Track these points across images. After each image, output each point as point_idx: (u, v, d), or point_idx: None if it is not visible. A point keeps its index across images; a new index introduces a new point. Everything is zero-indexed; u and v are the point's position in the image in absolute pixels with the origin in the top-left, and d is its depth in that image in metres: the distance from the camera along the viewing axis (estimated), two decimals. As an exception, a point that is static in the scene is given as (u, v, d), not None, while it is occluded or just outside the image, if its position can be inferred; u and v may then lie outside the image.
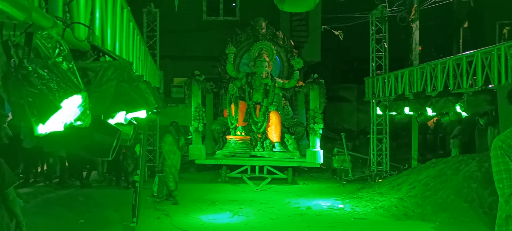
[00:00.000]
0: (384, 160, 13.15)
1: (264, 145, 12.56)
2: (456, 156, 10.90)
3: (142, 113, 4.51)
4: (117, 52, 4.52)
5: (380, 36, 13.09)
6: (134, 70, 5.15)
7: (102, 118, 3.11)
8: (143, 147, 7.60)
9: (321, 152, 12.13)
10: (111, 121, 3.27)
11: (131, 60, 5.72)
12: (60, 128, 2.20)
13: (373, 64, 13.21)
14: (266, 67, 12.73)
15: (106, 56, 3.37)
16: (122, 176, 11.28)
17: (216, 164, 12.39)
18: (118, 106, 3.04)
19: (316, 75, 12.43)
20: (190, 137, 12.71)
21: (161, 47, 14.11)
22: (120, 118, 3.44)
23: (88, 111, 2.36)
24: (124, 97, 3.01)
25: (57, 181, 10.70)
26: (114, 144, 3.13)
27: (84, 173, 11.27)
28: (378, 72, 13.14)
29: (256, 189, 11.11)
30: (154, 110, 7.22)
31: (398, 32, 15.25)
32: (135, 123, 4.08)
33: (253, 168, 12.19)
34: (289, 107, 13.40)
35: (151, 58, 10.42)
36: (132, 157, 10.63)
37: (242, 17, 15.57)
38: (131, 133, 3.91)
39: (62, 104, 2.10)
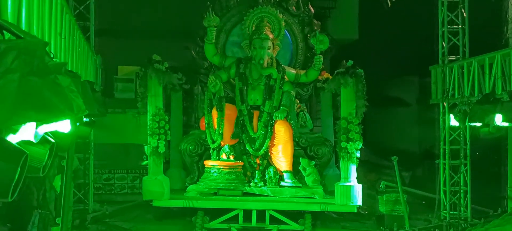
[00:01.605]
0: (462, 200, 13.10)
1: (267, 176, 12.49)
2: None
3: (64, 125, 4.70)
4: (24, 26, 4.53)
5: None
6: (51, 55, 5.22)
7: (-3, 133, 3.14)
8: (67, 179, 7.62)
9: (359, 187, 12.07)
10: (12, 138, 3.31)
11: (46, 40, 5.80)
12: None
13: (443, 44, 13.13)
14: (269, 49, 12.74)
15: (4, 32, 3.38)
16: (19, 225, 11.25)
17: (187, 208, 12.32)
18: (24, 113, 3.07)
19: (350, 62, 12.42)
20: (144, 162, 12.64)
21: (98, 17, 14.03)
22: (27, 132, 3.50)
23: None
24: (34, 99, 3.08)
25: None
26: (17, 176, 3.13)
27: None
28: (452, 57, 13.10)
29: (253, 249, 11.12)
30: (85, 119, 7.35)
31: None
32: (52, 140, 4.13)
33: (248, 214, 12.13)
34: (307, 115, 13.36)
35: (81, 35, 10.43)
36: (43, 195, 10.63)
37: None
38: (46, 157, 3.97)
39: None
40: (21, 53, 2.97)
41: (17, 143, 3.32)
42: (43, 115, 3.18)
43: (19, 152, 3.20)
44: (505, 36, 14.97)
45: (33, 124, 3.47)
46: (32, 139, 3.64)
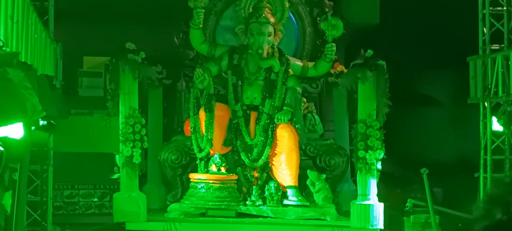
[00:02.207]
0: (506, 222, 13.02)
1: (267, 193, 12.42)
2: None
3: (16, 130, 4.72)
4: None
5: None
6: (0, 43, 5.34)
7: None
8: (20, 196, 7.37)
9: (381, 206, 12.02)
10: None
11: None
12: None
13: (484, 30, 13.25)
14: (269, 35, 12.63)
15: None
16: None
17: (168, 231, 12.36)
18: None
19: (370, 52, 12.35)
20: (116, 175, 12.40)
21: (58, -5, 14.16)
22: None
23: None
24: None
25: None
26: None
27: None
28: (496, 46, 13.19)
29: None
30: (43, 122, 7.19)
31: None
32: (1, 148, 4.49)
33: (243, 240, 12.19)
34: (317, 117, 13.30)
35: (38, 18, 10.44)
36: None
37: None
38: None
39: None
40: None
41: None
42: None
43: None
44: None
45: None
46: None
